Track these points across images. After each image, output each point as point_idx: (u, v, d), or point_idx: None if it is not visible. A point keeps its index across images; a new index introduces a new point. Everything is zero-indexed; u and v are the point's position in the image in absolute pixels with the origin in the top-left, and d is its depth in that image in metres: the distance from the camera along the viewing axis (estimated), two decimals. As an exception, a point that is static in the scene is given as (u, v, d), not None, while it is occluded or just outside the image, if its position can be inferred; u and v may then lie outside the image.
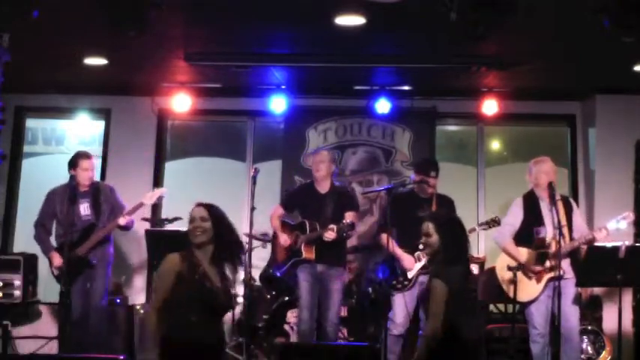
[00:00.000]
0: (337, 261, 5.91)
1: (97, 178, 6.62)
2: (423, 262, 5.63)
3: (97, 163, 6.90)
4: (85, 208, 6.08)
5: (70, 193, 5.83)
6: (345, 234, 5.74)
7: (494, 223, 6.01)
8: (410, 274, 5.63)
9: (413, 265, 5.64)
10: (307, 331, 5.83)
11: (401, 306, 5.62)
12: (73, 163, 6.10)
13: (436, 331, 3.79)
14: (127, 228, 6.16)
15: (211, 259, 3.82)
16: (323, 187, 6.03)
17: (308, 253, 5.85)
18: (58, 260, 5.90)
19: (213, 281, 3.77)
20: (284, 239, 5.96)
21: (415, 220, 5.65)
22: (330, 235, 5.67)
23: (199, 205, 3.91)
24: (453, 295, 3.82)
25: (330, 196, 5.99)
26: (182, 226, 5.94)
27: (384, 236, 5.73)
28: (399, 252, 5.66)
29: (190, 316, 3.67)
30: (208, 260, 3.82)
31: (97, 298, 6.00)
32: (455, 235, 4.08)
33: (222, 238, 3.84)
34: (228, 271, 3.88)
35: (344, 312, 6.72)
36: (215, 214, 3.86)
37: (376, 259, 6.57)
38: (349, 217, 5.83)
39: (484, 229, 6.07)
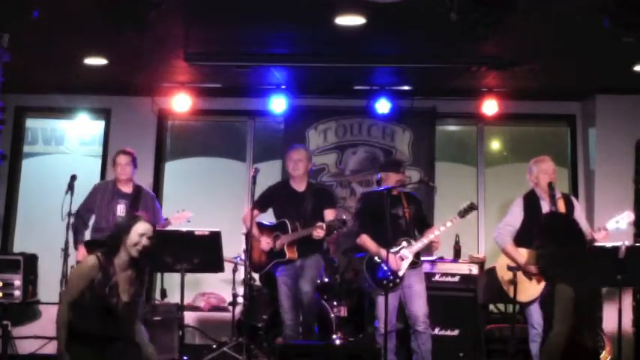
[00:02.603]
0: (313, 251, 5.86)
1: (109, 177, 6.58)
2: (410, 257, 5.62)
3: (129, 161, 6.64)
4: (121, 210, 6.08)
5: (70, 190, 5.85)
6: (335, 231, 5.70)
7: (470, 209, 5.67)
8: (400, 273, 5.60)
9: (399, 264, 5.61)
10: (293, 334, 5.81)
11: (388, 302, 5.60)
12: (113, 162, 6.20)
13: (560, 334, 3.67)
14: None
15: (128, 267, 4.04)
16: (300, 186, 5.96)
17: (291, 254, 5.79)
18: (82, 254, 5.91)
19: (121, 295, 3.98)
20: (265, 243, 5.87)
21: (391, 217, 5.66)
22: (319, 233, 5.60)
23: (148, 222, 4.16)
24: (579, 300, 3.70)
25: (308, 194, 5.91)
26: (181, 227, 6.00)
27: (363, 237, 5.72)
28: (383, 253, 5.55)
29: (93, 315, 3.93)
30: (124, 268, 4.01)
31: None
32: (562, 238, 3.90)
33: (152, 255, 4.14)
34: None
35: (344, 312, 6.72)
36: (154, 234, 4.15)
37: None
38: (329, 214, 5.79)
39: (462, 217, 5.69)
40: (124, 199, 6.12)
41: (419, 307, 5.62)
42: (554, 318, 3.68)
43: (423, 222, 5.92)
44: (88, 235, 6.23)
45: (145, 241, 4.05)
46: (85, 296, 3.90)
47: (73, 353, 3.90)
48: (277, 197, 6.03)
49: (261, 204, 6.06)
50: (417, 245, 5.66)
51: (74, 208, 6.11)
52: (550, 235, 3.88)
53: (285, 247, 5.80)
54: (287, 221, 5.83)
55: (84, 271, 3.97)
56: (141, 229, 4.06)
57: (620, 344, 5.37)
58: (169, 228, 6.16)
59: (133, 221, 4.11)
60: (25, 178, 8.27)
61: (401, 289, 5.64)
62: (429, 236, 5.67)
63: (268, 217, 6.21)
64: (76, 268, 4.14)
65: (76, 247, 6.06)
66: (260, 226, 6.03)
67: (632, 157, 7.29)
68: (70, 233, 6.12)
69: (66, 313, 3.93)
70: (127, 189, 6.16)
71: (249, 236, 6.02)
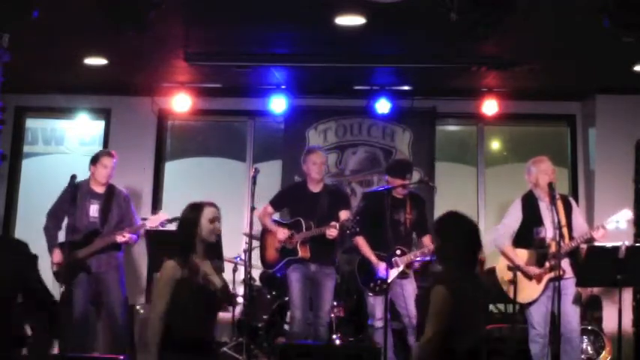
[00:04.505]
0: (330, 260, 5.87)
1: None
2: (401, 268, 5.64)
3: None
4: (94, 210, 5.99)
5: (72, 191, 5.74)
6: (348, 230, 5.67)
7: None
8: (389, 280, 5.57)
9: (389, 272, 5.58)
10: (300, 331, 5.79)
11: (379, 300, 5.62)
12: (95, 159, 6.04)
13: (430, 338, 3.57)
14: (126, 243, 6.06)
15: (205, 257, 3.87)
16: (316, 187, 5.95)
17: (304, 252, 5.78)
18: (57, 257, 5.84)
19: (215, 282, 3.81)
20: (282, 232, 5.84)
21: (391, 222, 5.67)
22: (332, 232, 5.60)
23: (214, 205, 3.96)
24: (456, 303, 3.55)
25: (324, 194, 5.91)
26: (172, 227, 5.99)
27: (358, 239, 5.76)
28: (374, 259, 5.66)
29: (193, 317, 3.70)
30: (203, 258, 3.85)
31: (117, 307, 5.92)
32: (452, 235, 3.71)
33: (220, 239, 3.91)
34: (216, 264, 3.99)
35: (343, 312, 6.72)
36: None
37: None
38: (344, 215, 5.78)
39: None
40: (97, 199, 6.01)
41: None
42: (426, 320, 3.56)
43: (421, 227, 5.92)
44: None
45: (218, 225, 3.88)
46: (180, 297, 3.68)
47: None
48: (294, 198, 6.05)
49: (277, 203, 6.08)
50: (409, 257, 5.71)
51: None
52: (443, 234, 3.77)
53: (298, 244, 5.79)
54: (302, 220, 5.83)
55: (166, 276, 3.74)
56: (209, 216, 3.87)
57: (620, 344, 5.37)
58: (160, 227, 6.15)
59: (198, 212, 3.89)
60: (25, 178, 8.27)
61: (392, 290, 5.66)
62: (424, 250, 5.75)
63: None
64: (158, 278, 3.85)
65: (50, 251, 5.88)
66: (277, 223, 6.04)
67: (632, 157, 7.28)
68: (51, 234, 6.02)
69: (158, 326, 3.68)
70: (100, 189, 6.04)
71: (263, 233, 6.07)
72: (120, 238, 5.87)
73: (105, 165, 6.01)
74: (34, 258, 3.66)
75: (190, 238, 3.84)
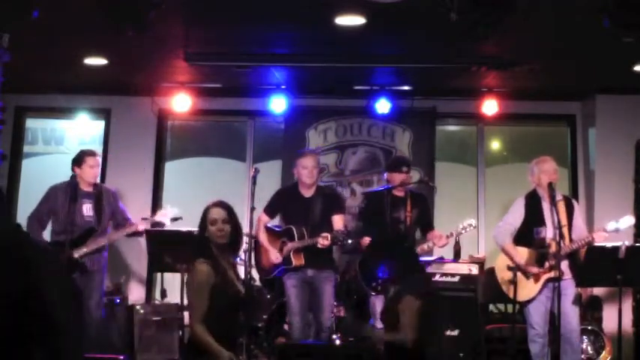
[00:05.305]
0: (327, 264, 5.78)
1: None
2: None
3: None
4: (87, 209, 5.96)
5: (72, 191, 5.75)
6: (339, 242, 5.57)
7: (470, 227, 5.94)
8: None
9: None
10: (299, 337, 5.74)
11: (380, 299, 5.64)
12: (79, 161, 5.98)
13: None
14: (140, 234, 6.09)
15: (226, 259, 3.84)
16: (308, 191, 5.82)
17: (297, 260, 5.69)
18: None
19: (239, 286, 3.80)
20: (275, 256, 5.76)
21: (391, 220, 5.68)
22: (324, 242, 5.48)
23: (219, 205, 3.86)
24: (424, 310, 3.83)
25: (317, 199, 5.78)
26: (182, 227, 6.00)
27: (364, 239, 5.77)
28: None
29: (221, 323, 3.69)
30: (226, 262, 3.82)
31: (98, 307, 5.93)
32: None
33: (236, 239, 3.86)
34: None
35: (343, 312, 6.72)
36: (233, 216, 3.87)
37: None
38: (337, 220, 5.70)
39: (460, 234, 5.99)
40: (89, 199, 5.98)
41: None
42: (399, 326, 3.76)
43: (425, 224, 5.92)
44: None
45: (222, 226, 3.76)
46: (214, 303, 3.64)
47: None
48: (286, 203, 5.93)
49: (270, 211, 5.97)
50: None
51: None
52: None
53: (291, 254, 5.70)
54: (294, 228, 5.74)
55: (202, 281, 3.66)
56: (212, 217, 3.77)
57: (620, 344, 5.38)
58: (156, 225, 6.16)
59: (204, 216, 3.80)
60: (25, 178, 8.26)
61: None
62: (423, 247, 5.82)
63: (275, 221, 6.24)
64: (192, 284, 3.75)
65: None
66: (269, 230, 5.98)
67: (632, 157, 7.28)
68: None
69: (204, 331, 3.61)
70: (89, 188, 6.02)
71: (257, 245, 6.03)
72: (142, 226, 5.95)
73: (91, 165, 5.99)
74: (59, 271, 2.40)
75: (207, 243, 3.78)
